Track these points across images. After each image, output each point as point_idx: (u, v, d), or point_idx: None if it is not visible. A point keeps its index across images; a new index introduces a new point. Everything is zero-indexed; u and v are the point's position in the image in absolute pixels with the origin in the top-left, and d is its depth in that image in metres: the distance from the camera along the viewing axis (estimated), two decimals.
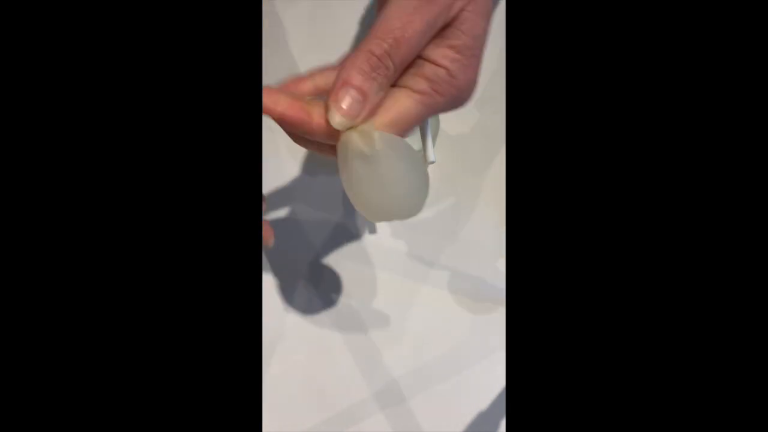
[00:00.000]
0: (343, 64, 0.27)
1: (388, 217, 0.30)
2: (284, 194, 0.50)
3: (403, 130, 0.29)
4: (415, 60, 0.29)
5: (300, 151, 0.50)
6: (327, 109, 0.27)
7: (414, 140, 0.43)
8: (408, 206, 0.30)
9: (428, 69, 0.28)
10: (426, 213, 0.48)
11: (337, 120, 0.27)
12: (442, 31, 0.28)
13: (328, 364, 0.46)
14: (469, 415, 0.45)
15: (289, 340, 0.46)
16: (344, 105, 0.27)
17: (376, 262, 0.48)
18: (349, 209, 0.49)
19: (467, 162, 0.49)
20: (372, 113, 0.28)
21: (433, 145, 0.36)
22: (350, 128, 0.27)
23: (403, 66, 0.28)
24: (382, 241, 0.49)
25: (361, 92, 0.27)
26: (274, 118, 0.28)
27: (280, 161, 0.50)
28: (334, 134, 0.28)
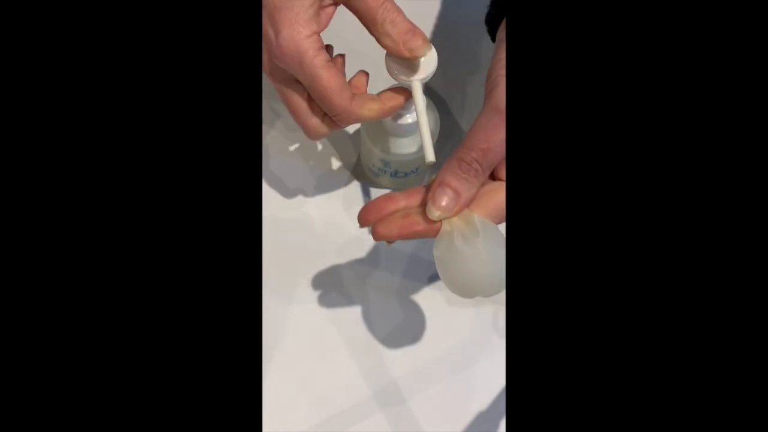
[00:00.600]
0: (441, 169, 0.33)
1: (478, 292, 0.33)
2: (284, 194, 0.50)
3: (503, 218, 0.33)
4: None
5: (301, 152, 0.50)
6: (425, 204, 0.33)
7: (414, 140, 0.43)
8: (497, 282, 0.32)
9: None
10: None
11: (436, 214, 0.32)
12: None
13: (328, 365, 0.46)
14: (469, 415, 0.45)
15: (289, 340, 0.46)
16: (443, 202, 0.32)
17: (376, 262, 0.48)
18: (350, 209, 0.49)
19: None
20: (464, 207, 0.33)
21: (433, 145, 0.36)
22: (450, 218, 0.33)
23: (491, 167, 0.33)
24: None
25: (455, 191, 0.32)
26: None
27: (281, 161, 0.50)
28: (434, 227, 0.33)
